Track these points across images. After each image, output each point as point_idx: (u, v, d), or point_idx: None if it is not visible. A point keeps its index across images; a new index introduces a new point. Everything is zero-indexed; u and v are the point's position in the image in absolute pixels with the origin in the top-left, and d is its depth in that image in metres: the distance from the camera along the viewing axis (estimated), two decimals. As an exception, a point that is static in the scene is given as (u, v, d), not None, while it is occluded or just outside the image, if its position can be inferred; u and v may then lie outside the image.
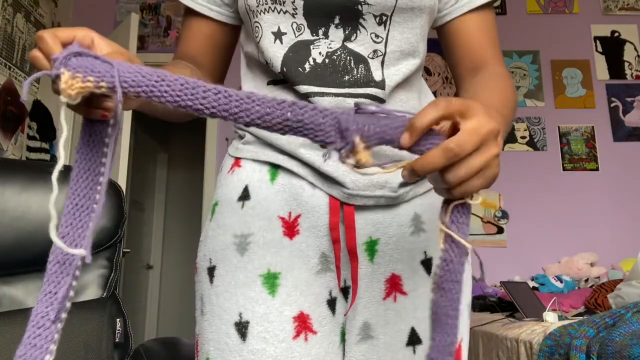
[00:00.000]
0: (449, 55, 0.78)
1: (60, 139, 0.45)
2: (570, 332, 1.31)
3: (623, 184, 3.31)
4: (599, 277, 2.84)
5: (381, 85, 0.67)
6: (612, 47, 3.54)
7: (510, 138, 3.39)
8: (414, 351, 0.67)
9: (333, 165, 0.65)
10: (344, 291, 0.69)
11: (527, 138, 3.39)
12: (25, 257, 1.17)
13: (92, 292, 1.21)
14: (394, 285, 0.68)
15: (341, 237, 0.66)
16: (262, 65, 0.71)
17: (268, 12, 0.67)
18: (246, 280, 0.65)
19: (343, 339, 0.69)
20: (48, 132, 3.12)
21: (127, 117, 2.74)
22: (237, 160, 0.73)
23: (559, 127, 3.41)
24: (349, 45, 0.67)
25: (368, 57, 0.67)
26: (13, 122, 2.80)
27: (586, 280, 2.82)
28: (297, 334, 0.63)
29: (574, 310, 2.27)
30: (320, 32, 0.67)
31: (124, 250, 2.75)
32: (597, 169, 3.34)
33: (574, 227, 3.24)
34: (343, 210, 0.66)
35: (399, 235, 0.68)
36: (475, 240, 3.24)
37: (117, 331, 1.11)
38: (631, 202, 3.28)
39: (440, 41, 0.79)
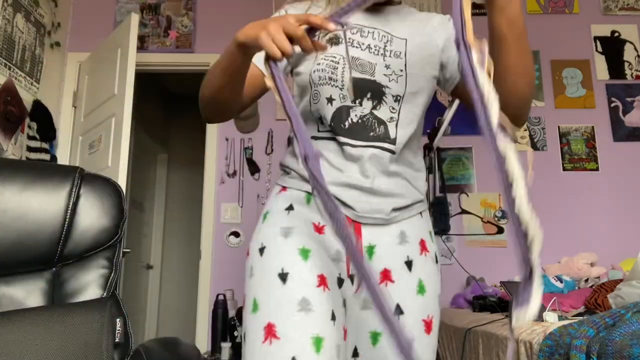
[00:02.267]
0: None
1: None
2: (570, 332, 1.31)
3: (623, 184, 3.31)
4: (599, 277, 2.84)
5: (394, 141, 1.01)
6: (612, 47, 3.55)
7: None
8: (399, 318, 0.98)
9: (349, 197, 0.99)
10: (351, 277, 0.99)
11: (527, 138, 3.39)
12: (25, 257, 1.17)
13: (92, 292, 1.21)
14: (385, 276, 1.00)
15: None
16: (313, 119, 1.04)
17: (325, 85, 1.00)
18: (288, 250, 0.95)
19: (344, 305, 0.98)
20: (48, 132, 3.12)
21: (127, 117, 2.74)
22: (284, 187, 1.06)
23: (559, 127, 3.41)
24: (375, 112, 1.00)
25: (387, 121, 1.01)
26: (13, 122, 2.80)
27: (586, 280, 2.82)
28: (319, 285, 0.93)
29: (574, 310, 2.27)
30: (357, 101, 1.00)
31: (124, 250, 2.75)
32: (597, 169, 3.35)
33: (574, 227, 3.24)
34: (354, 225, 0.99)
35: (390, 244, 1.01)
36: (475, 240, 3.25)
37: (117, 331, 1.11)
38: (631, 202, 3.28)
39: (464, 103, 1.06)
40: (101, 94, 3.05)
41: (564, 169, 3.35)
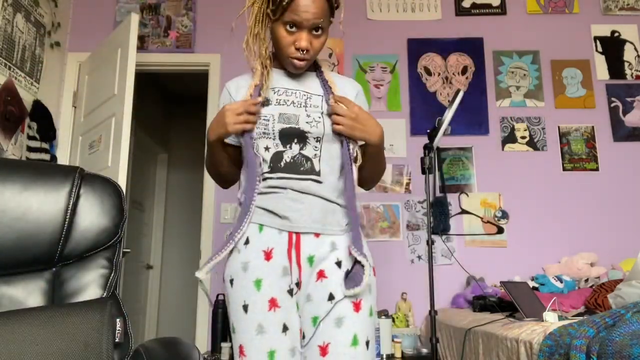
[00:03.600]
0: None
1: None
2: (570, 332, 1.31)
3: (623, 184, 3.31)
4: (599, 277, 2.84)
5: (319, 173, 1.32)
6: (612, 47, 3.55)
7: (511, 138, 3.39)
8: (332, 303, 1.26)
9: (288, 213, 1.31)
10: (297, 284, 1.29)
11: (527, 138, 3.39)
12: (25, 257, 1.17)
13: (92, 292, 1.21)
14: (320, 275, 1.29)
15: (293, 256, 1.29)
16: (256, 164, 1.32)
17: (261, 138, 1.32)
18: (246, 284, 1.28)
19: (298, 308, 1.29)
20: (48, 132, 3.12)
21: (127, 117, 2.74)
22: (244, 221, 1.35)
23: (559, 127, 3.41)
24: (302, 152, 1.32)
25: (312, 157, 1.32)
26: (13, 122, 2.80)
27: (586, 280, 2.82)
28: (270, 308, 1.24)
29: (574, 310, 2.27)
30: (287, 146, 1.32)
31: (124, 250, 2.75)
32: (597, 169, 3.35)
33: (574, 227, 3.24)
34: (294, 240, 1.30)
35: (324, 252, 1.30)
36: (475, 240, 3.25)
37: (117, 331, 1.11)
38: (631, 202, 3.28)
39: None
40: (101, 94, 3.05)
41: (564, 169, 3.35)
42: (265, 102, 1.34)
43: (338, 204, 1.33)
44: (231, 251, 1.32)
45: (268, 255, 1.28)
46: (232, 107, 1.26)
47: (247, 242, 1.30)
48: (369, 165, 1.40)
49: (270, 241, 1.28)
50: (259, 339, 1.21)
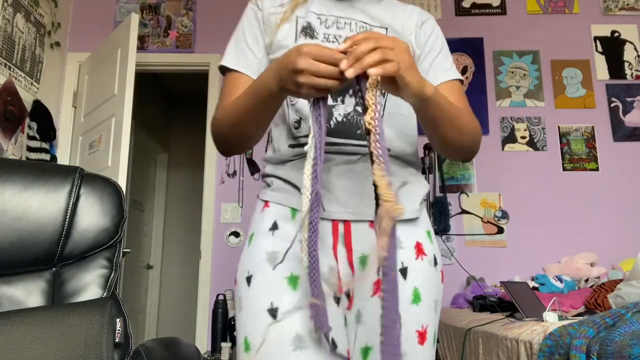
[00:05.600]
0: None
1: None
2: (570, 332, 1.31)
3: (623, 184, 3.31)
4: (599, 277, 2.84)
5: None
6: (612, 47, 3.54)
7: (511, 138, 3.39)
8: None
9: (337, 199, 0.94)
10: (346, 294, 0.93)
11: (527, 138, 3.39)
12: (25, 257, 1.17)
13: (92, 292, 1.21)
14: (378, 287, 0.89)
15: (339, 255, 0.92)
16: (288, 124, 0.99)
17: None
18: (276, 280, 0.90)
19: (345, 323, 0.93)
20: (48, 132, 3.12)
21: (127, 117, 2.74)
22: (267, 202, 1.00)
23: (559, 127, 3.41)
24: (359, 109, 0.94)
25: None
26: (13, 122, 2.80)
27: (586, 280, 2.82)
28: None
29: (574, 310, 2.27)
30: (339, 99, 0.96)
31: (124, 250, 2.75)
32: (597, 169, 3.35)
33: (574, 227, 3.24)
34: (344, 225, 0.94)
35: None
36: (475, 240, 3.25)
37: (117, 331, 1.11)
38: (631, 202, 3.28)
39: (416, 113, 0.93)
40: (101, 94, 3.05)
41: (564, 169, 3.35)
42: (309, 31, 0.98)
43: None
44: (250, 239, 1.00)
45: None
46: (310, 62, 0.74)
47: (275, 227, 0.98)
48: (445, 130, 0.91)
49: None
50: (297, 356, 0.85)
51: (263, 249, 0.94)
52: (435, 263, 0.99)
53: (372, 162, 0.73)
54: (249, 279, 0.93)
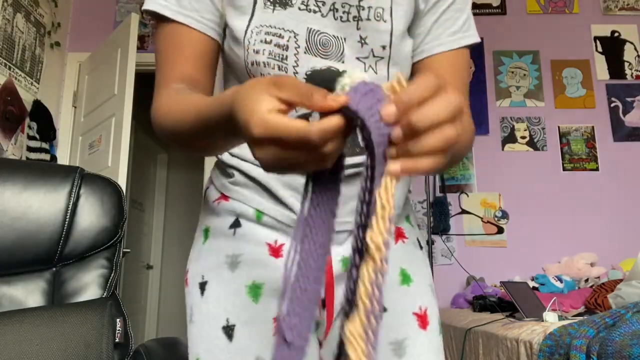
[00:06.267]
0: None
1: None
2: (570, 332, 1.31)
3: (623, 184, 3.31)
4: (599, 277, 2.84)
5: None
6: (612, 47, 3.55)
7: (510, 138, 3.39)
8: (382, 317, 0.74)
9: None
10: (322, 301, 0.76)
11: (527, 138, 3.39)
12: (25, 257, 1.17)
13: (92, 292, 1.21)
14: None
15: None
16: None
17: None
18: (235, 290, 0.75)
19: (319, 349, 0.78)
20: (48, 132, 3.12)
21: (127, 117, 2.74)
22: (224, 196, 0.81)
23: (559, 127, 3.41)
24: None
25: None
26: (13, 122, 2.80)
27: (586, 280, 2.82)
28: (275, 332, 0.67)
29: (574, 310, 2.27)
30: None
31: (124, 250, 2.75)
32: (597, 169, 3.35)
33: (574, 227, 3.24)
34: None
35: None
36: (475, 240, 3.25)
37: (117, 331, 1.11)
38: (631, 202, 3.28)
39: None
40: (101, 94, 3.05)
41: (564, 169, 3.35)
42: None
43: None
44: (206, 234, 0.83)
45: (275, 250, 0.80)
46: (273, 131, 0.43)
47: (236, 224, 0.81)
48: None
49: (278, 234, 0.81)
50: None
51: (222, 250, 0.78)
52: (421, 247, 0.87)
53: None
54: (202, 286, 0.77)
